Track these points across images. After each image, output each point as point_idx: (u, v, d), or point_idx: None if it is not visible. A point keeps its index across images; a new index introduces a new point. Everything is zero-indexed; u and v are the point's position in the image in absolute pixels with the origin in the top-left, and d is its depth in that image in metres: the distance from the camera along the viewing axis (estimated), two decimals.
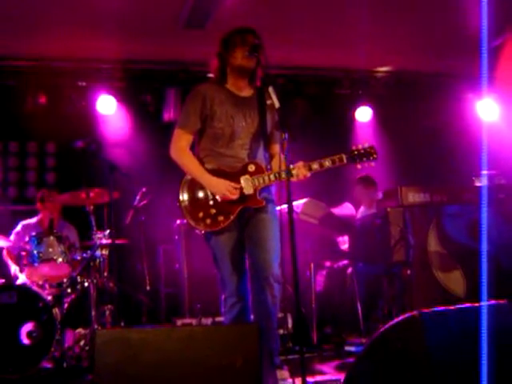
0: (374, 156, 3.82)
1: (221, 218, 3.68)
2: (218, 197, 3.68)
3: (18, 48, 6.69)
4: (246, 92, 3.87)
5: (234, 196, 3.66)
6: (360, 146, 3.84)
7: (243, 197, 3.69)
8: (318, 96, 7.96)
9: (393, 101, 8.10)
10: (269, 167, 3.80)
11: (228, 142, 3.77)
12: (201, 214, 3.68)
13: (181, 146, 3.79)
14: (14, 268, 5.75)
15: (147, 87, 7.46)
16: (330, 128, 7.95)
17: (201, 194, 3.71)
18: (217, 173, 3.73)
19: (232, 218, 3.69)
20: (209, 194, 3.71)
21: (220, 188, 3.66)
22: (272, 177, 3.71)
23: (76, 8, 5.80)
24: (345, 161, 3.78)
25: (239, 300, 3.74)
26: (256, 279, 3.75)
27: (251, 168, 3.74)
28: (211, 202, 3.69)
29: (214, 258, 3.82)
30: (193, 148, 3.88)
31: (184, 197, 3.72)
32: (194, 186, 3.73)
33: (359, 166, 3.85)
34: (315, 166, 3.75)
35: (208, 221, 3.68)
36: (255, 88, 3.88)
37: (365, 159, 3.81)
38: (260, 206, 3.73)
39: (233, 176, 3.71)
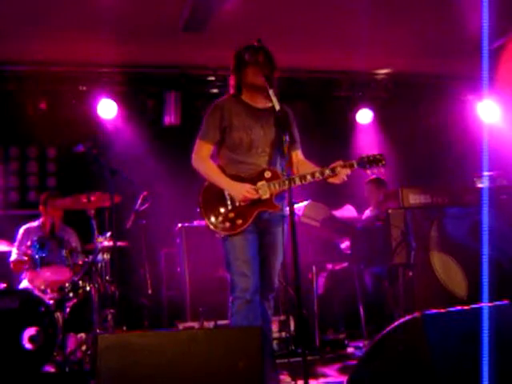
0: (383, 162, 3.93)
1: (239, 222, 3.79)
2: (237, 200, 3.80)
3: (19, 53, 6.69)
4: (262, 104, 3.98)
5: (255, 196, 3.78)
6: (369, 154, 3.96)
7: (260, 201, 3.81)
8: (319, 98, 7.97)
9: (393, 103, 8.10)
10: (284, 174, 3.88)
11: (247, 150, 3.89)
12: (220, 218, 3.81)
13: (202, 156, 3.93)
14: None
15: (148, 91, 7.48)
16: (331, 130, 7.95)
17: (219, 199, 3.84)
18: (234, 178, 3.86)
19: (250, 221, 3.80)
20: (227, 198, 3.83)
21: (240, 190, 3.78)
22: (287, 182, 3.74)
23: (76, 13, 5.80)
24: (355, 166, 3.89)
25: (248, 301, 3.74)
26: (261, 290, 3.86)
27: (267, 174, 3.86)
28: (230, 207, 3.82)
29: (226, 259, 3.87)
30: (213, 159, 4.00)
31: (203, 202, 3.87)
32: (212, 191, 3.86)
33: (369, 172, 3.97)
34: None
35: (227, 224, 3.80)
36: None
37: (374, 165, 3.93)
38: (276, 210, 3.85)
39: (249, 181, 3.84)
